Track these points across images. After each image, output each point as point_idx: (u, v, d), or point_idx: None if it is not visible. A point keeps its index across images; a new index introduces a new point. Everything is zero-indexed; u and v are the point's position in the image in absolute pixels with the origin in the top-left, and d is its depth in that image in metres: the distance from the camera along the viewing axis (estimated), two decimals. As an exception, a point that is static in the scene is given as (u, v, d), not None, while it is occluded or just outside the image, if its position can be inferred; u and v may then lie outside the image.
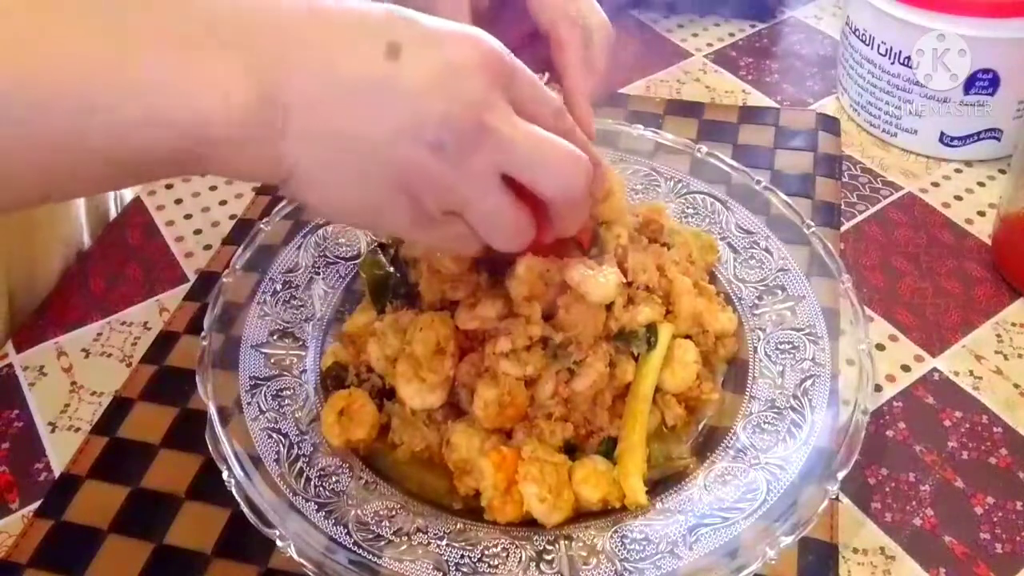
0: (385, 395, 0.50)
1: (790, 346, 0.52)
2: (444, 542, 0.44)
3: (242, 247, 0.56)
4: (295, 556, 0.41)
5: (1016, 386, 0.55)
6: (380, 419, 0.49)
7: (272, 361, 0.53)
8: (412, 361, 0.47)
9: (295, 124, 0.34)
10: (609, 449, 0.48)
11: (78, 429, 0.55)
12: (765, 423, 0.49)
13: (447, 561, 0.43)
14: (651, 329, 0.49)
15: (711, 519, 0.44)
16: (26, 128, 0.31)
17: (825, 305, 0.53)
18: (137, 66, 0.32)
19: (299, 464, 0.47)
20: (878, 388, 0.54)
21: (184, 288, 0.63)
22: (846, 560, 0.47)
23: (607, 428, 0.48)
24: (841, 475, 0.43)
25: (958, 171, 0.70)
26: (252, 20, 0.34)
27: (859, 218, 0.66)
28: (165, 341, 0.58)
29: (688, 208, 0.60)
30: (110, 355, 0.59)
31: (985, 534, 0.47)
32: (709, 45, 0.86)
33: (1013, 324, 0.58)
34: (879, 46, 0.69)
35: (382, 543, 0.44)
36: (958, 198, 0.68)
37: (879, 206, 0.67)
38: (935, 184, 0.69)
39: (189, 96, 0.33)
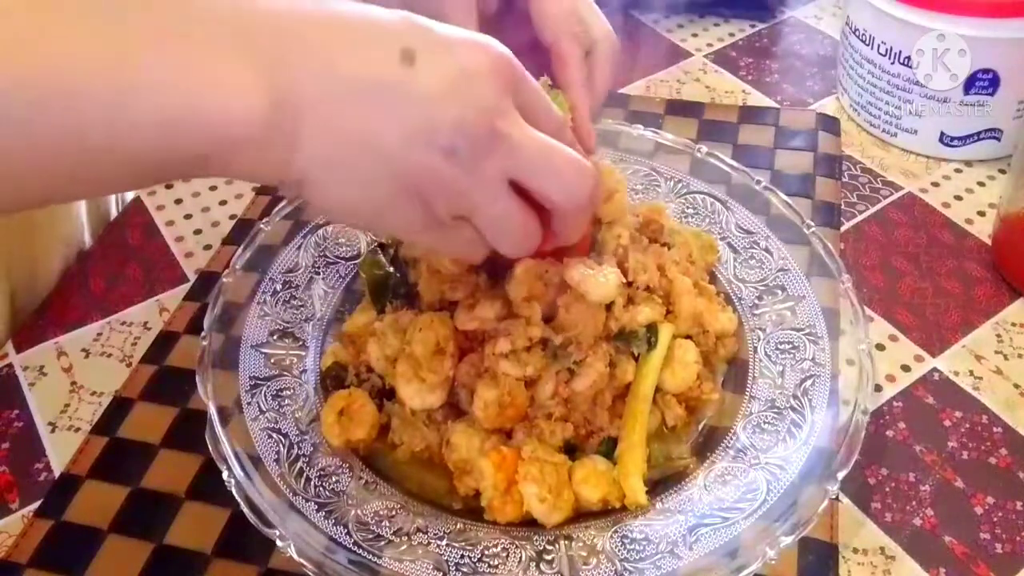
0: (385, 395, 0.50)
1: (790, 346, 0.52)
2: (444, 542, 0.44)
3: (242, 247, 0.56)
4: (295, 556, 0.41)
5: (1016, 386, 0.55)
6: (380, 419, 0.49)
7: (272, 361, 0.53)
8: (412, 361, 0.47)
9: (308, 126, 0.34)
10: (609, 449, 0.48)
11: (78, 429, 0.55)
12: (765, 423, 0.49)
13: (447, 561, 0.43)
14: (651, 329, 0.49)
15: (711, 519, 0.44)
16: (26, 128, 0.31)
17: (825, 305, 0.53)
18: (137, 66, 0.32)
19: (299, 464, 0.47)
20: (878, 388, 0.54)
21: (184, 288, 0.63)
22: (846, 560, 0.47)
23: (607, 428, 0.48)
24: (841, 475, 0.43)
25: (958, 171, 0.70)
26: (260, 21, 0.34)
27: (859, 218, 0.66)
28: (165, 341, 0.58)
29: (688, 208, 0.60)
30: (110, 355, 0.59)
31: (985, 534, 0.47)
32: (709, 45, 0.86)
33: (1013, 324, 0.58)
34: (879, 46, 0.69)
35: (382, 543, 0.44)
36: (958, 198, 0.68)
37: (879, 206, 0.67)
38: (935, 184, 0.69)
39: (192, 96, 0.33)
